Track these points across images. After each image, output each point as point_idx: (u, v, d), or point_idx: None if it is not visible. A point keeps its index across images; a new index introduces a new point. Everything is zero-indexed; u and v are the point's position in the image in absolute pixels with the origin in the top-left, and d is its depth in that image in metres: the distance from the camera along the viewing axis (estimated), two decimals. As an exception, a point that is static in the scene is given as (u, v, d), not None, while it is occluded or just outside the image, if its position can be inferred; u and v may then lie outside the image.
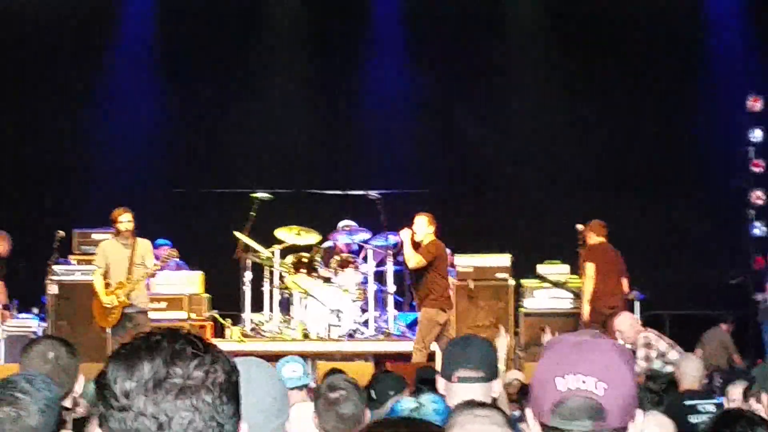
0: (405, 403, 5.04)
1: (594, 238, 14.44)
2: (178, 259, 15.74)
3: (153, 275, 13.70)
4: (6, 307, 14.81)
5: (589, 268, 14.22)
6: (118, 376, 2.05)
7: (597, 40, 18.86)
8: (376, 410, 6.51)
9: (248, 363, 3.15)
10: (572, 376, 2.35)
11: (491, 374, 4.83)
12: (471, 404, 4.14)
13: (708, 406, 7.69)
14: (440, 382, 4.90)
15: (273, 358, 13.13)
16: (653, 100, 18.91)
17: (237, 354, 12.15)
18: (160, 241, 15.19)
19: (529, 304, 15.31)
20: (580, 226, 14.53)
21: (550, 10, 19.19)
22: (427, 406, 4.84)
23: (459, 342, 5.06)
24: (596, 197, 18.05)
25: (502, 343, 8.84)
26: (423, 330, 13.89)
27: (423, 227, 14.13)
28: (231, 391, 2.09)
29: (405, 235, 14.11)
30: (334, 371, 7.77)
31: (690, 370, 8.87)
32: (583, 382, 2.34)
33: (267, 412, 3.12)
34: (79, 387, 4.75)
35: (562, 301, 15.21)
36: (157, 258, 13.66)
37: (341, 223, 16.21)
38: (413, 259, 13.94)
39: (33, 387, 3.95)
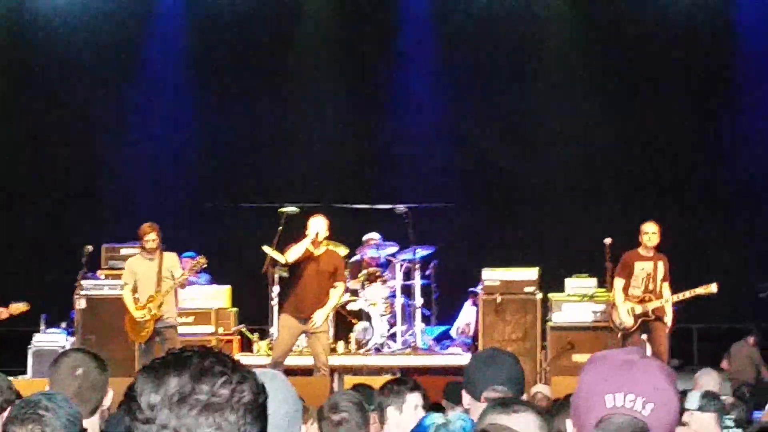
0: (432, 418, 5.01)
1: None
2: (207, 273, 15.77)
3: (182, 286, 13.65)
4: None
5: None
6: (145, 389, 2.08)
7: (629, 52, 18.83)
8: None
9: (264, 376, 3.11)
10: (620, 395, 2.39)
11: (519, 392, 4.81)
12: (506, 402, 4.08)
13: (728, 421, 7.49)
14: (466, 398, 4.86)
15: (299, 372, 13.20)
16: (685, 113, 18.80)
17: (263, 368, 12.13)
18: (187, 254, 15.23)
19: (557, 317, 15.16)
20: (608, 240, 14.39)
21: (583, 25, 19.14)
22: (454, 422, 4.81)
23: (487, 359, 4.95)
24: (624, 210, 17.99)
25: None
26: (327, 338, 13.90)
27: (325, 228, 13.46)
28: (257, 411, 2.10)
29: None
30: (359, 386, 7.75)
31: (708, 385, 8.76)
32: (631, 401, 2.38)
33: (279, 428, 3.08)
34: (107, 401, 4.73)
35: (590, 315, 15.09)
36: (184, 269, 13.69)
37: (366, 236, 16.22)
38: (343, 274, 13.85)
39: (55, 404, 4.01)
